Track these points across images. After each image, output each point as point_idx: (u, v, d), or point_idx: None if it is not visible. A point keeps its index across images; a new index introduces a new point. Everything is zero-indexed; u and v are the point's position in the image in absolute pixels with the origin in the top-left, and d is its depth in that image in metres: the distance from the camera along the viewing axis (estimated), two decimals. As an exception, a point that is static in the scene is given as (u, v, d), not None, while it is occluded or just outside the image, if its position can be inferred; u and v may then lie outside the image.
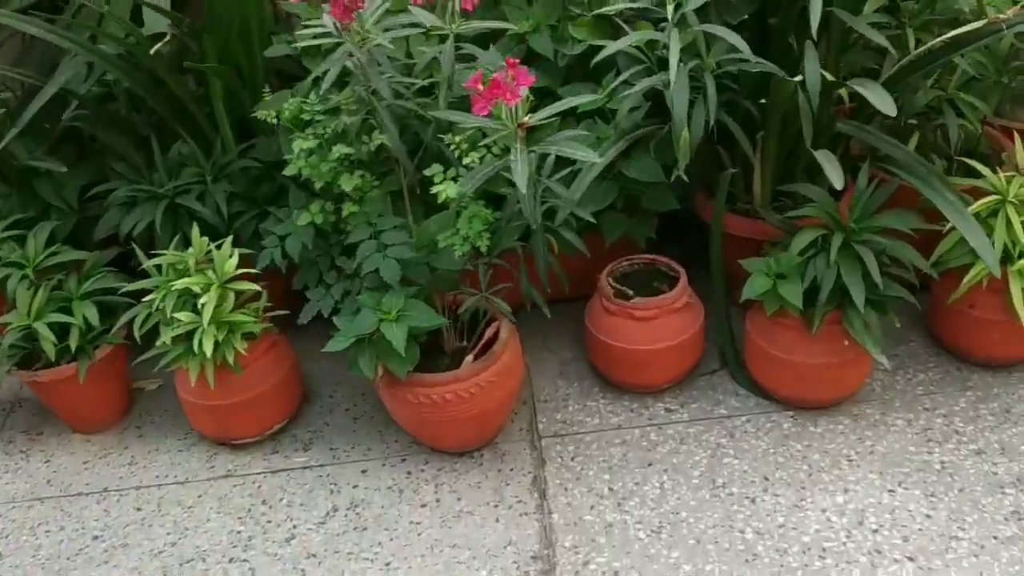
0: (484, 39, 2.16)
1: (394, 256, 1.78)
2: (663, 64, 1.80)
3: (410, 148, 1.90)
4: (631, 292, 2.09)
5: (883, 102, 1.65)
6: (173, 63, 2.10)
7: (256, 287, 1.95)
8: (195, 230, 2.00)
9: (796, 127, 1.90)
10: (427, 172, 1.73)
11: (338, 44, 1.70)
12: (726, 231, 2.12)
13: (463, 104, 1.80)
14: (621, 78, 1.88)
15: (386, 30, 1.72)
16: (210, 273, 1.95)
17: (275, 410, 2.12)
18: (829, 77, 1.82)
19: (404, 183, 1.90)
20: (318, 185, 1.83)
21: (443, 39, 1.82)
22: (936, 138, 2.17)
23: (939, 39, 1.72)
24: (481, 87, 1.61)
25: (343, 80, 1.77)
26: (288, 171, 1.82)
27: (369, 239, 1.81)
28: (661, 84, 1.83)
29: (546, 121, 1.69)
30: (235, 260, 1.95)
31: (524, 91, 1.62)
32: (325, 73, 1.71)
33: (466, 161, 1.65)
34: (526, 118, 1.67)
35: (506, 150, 1.70)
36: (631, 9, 1.97)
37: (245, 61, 2.14)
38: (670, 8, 1.68)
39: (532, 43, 2.09)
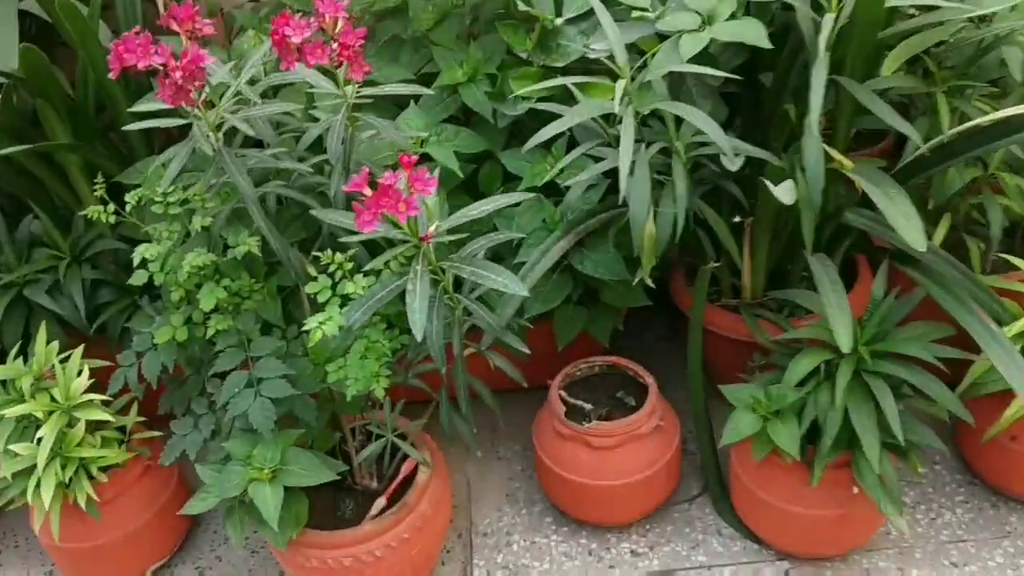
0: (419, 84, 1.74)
1: (270, 394, 1.37)
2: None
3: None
4: (588, 406, 1.69)
5: (904, 221, 1.23)
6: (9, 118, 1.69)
7: (108, 416, 1.55)
8: (41, 333, 1.60)
9: (793, 214, 1.48)
10: (308, 289, 1.32)
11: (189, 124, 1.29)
12: (708, 327, 1.71)
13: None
14: (572, 155, 1.46)
15: (256, 100, 1.30)
16: (56, 392, 1.55)
17: (150, 550, 1.73)
18: (836, 157, 1.40)
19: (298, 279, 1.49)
20: (175, 295, 1.42)
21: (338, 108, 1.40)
22: (971, 217, 1.73)
23: (986, 119, 1.29)
24: (367, 190, 1.20)
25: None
26: (135, 280, 1.41)
27: (240, 368, 1.41)
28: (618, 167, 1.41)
29: (463, 220, 1.28)
30: (85, 378, 1.55)
31: (428, 197, 1.20)
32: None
33: (348, 291, 1.24)
34: (431, 228, 1.25)
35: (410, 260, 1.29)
36: (588, 60, 1.55)
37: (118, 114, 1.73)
38: (620, 88, 1.25)
39: (465, 97, 1.67)
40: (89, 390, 1.57)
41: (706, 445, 1.74)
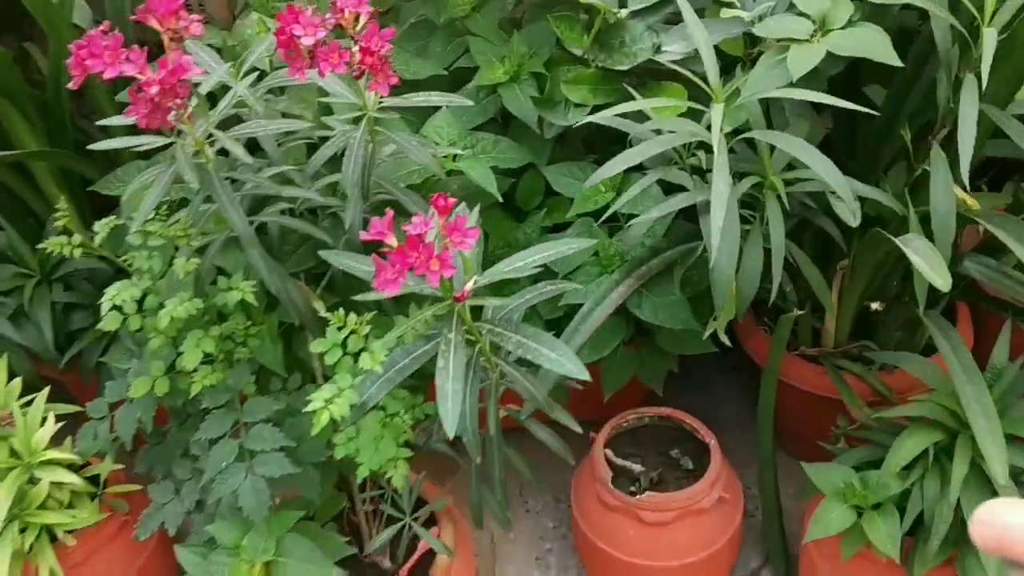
0: (443, 88, 1.47)
1: (264, 473, 1.13)
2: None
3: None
4: (637, 468, 1.44)
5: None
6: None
7: (75, 480, 1.30)
8: (0, 369, 1.36)
9: (895, 256, 1.23)
10: (314, 348, 1.07)
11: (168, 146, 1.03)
12: (783, 380, 1.46)
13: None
14: (639, 186, 1.19)
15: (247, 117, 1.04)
16: (16, 442, 1.31)
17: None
18: (961, 197, 1.14)
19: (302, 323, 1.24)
20: (155, 343, 1.17)
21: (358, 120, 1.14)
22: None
23: None
24: (391, 240, 0.94)
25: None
26: (105, 325, 1.16)
27: (232, 434, 1.16)
28: (698, 204, 1.15)
29: (507, 275, 1.03)
30: (50, 427, 1.31)
31: (467, 251, 0.95)
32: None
33: (364, 365, 0.99)
34: (468, 284, 1.00)
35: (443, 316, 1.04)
36: (660, 62, 1.28)
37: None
38: (716, 117, 0.99)
39: (507, 100, 1.40)
40: (58, 436, 1.33)
41: (771, 512, 1.49)
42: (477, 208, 1.04)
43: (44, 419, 1.32)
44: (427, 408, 1.14)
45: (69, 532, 1.36)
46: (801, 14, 1.07)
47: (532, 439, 1.23)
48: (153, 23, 0.95)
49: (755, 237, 1.16)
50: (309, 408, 0.98)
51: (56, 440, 1.34)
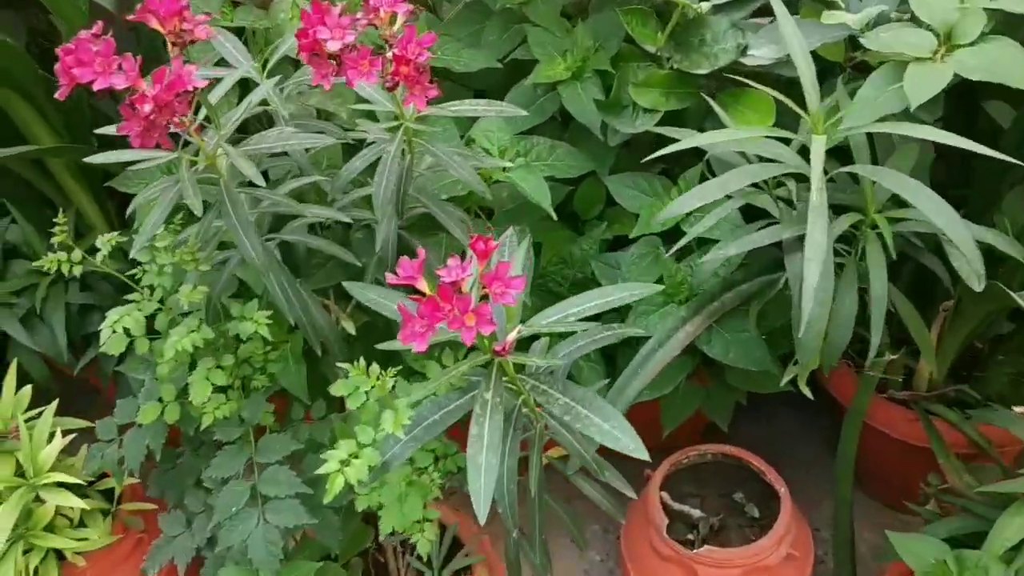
0: (496, 82, 1.32)
1: (277, 522, 1.01)
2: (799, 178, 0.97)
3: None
4: (696, 513, 1.30)
5: None
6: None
7: (83, 505, 1.20)
8: (10, 376, 1.26)
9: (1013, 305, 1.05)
10: (334, 390, 0.94)
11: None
12: (866, 422, 1.29)
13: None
14: (715, 215, 1.03)
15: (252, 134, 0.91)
16: (21, 456, 1.22)
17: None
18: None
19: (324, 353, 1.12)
20: (163, 369, 1.05)
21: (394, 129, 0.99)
22: None
23: None
24: (422, 285, 0.80)
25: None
26: (109, 348, 1.04)
27: (245, 473, 1.05)
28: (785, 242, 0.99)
29: (554, 327, 0.89)
30: (57, 445, 1.21)
31: (510, 304, 0.81)
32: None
33: (386, 428, 0.85)
34: (510, 335, 0.86)
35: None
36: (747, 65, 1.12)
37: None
38: (817, 152, 0.82)
39: (568, 101, 1.24)
40: (75, 443, 1.24)
41: (844, 565, 1.34)
42: (525, 247, 0.89)
43: (52, 434, 1.23)
44: (460, 460, 1.01)
45: (80, 552, 1.27)
46: (922, 25, 0.89)
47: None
48: (154, 24, 0.82)
49: (849, 278, 0.99)
50: (322, 470, 0.85)
51: (71, 448, 1.26)
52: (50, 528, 1.24)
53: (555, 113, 1.31)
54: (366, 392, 0.92)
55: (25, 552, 1.22)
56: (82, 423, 1.26)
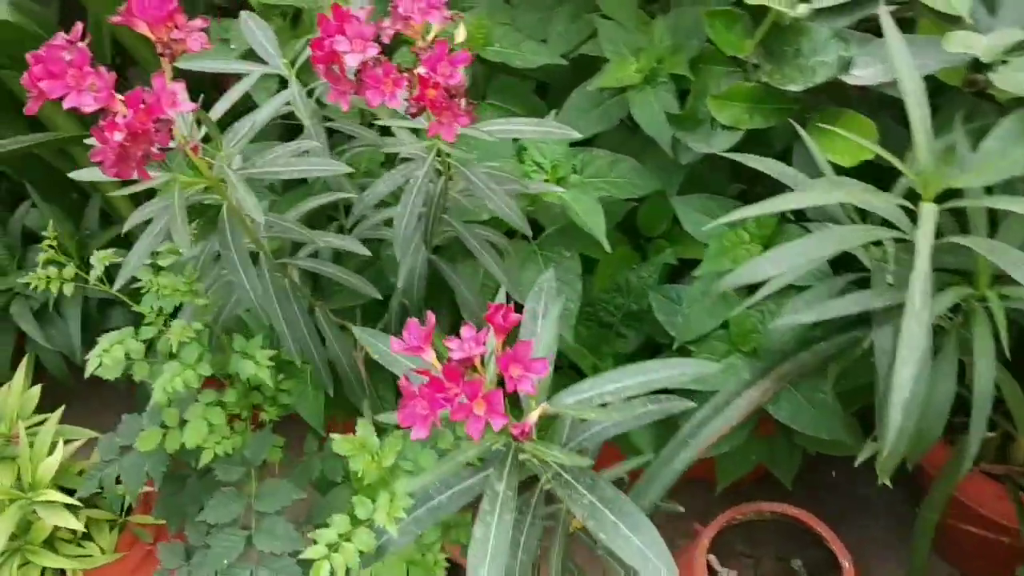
0: (561, 76, 1.18)
1: (274, 580, 0.91)
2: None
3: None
4: (749, 580, 1.17)
5: None
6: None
7: (78, 526, 1.11)
8: (19, 374, 1.19)
9: None
10: (336, 448, 0.82)
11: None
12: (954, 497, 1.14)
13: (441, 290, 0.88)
14: (793, 265, 0.88)
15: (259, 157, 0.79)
16: (20, 465, 1.14)
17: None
18: None
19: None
20: (160, 398, 0.95)
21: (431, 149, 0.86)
22: None
23: None
24: (430, 356, 0.68)
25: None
26: (105, 372, 0.94)
27: (235, 524, 0.95)
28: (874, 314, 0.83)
29: (588, 405, 0.75)
30: (58, 458, 1.13)
31: (530, 392, 0.67)
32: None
33: (379, 521, 0.73)
34: (532, 415, 0.72)
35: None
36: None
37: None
38: (926, 225, 0.66)
39: (636, 109, 1.09)
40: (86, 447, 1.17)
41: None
42: (554, 321, 0.75)
43: (55, 444, 1.14)
44: (464, 533, 0.89)
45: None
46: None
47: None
48: (141, 28, 0.69)
49: (949, 361, 0.83)
50: (306, 555, 0.74)
51: (84, 451, 1.18)
52: (51, 540, 1.17)
53: (623, 118, 1.16)
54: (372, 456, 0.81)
55: (22, 566, 1.15)
56: (87, 432, 1.18)
